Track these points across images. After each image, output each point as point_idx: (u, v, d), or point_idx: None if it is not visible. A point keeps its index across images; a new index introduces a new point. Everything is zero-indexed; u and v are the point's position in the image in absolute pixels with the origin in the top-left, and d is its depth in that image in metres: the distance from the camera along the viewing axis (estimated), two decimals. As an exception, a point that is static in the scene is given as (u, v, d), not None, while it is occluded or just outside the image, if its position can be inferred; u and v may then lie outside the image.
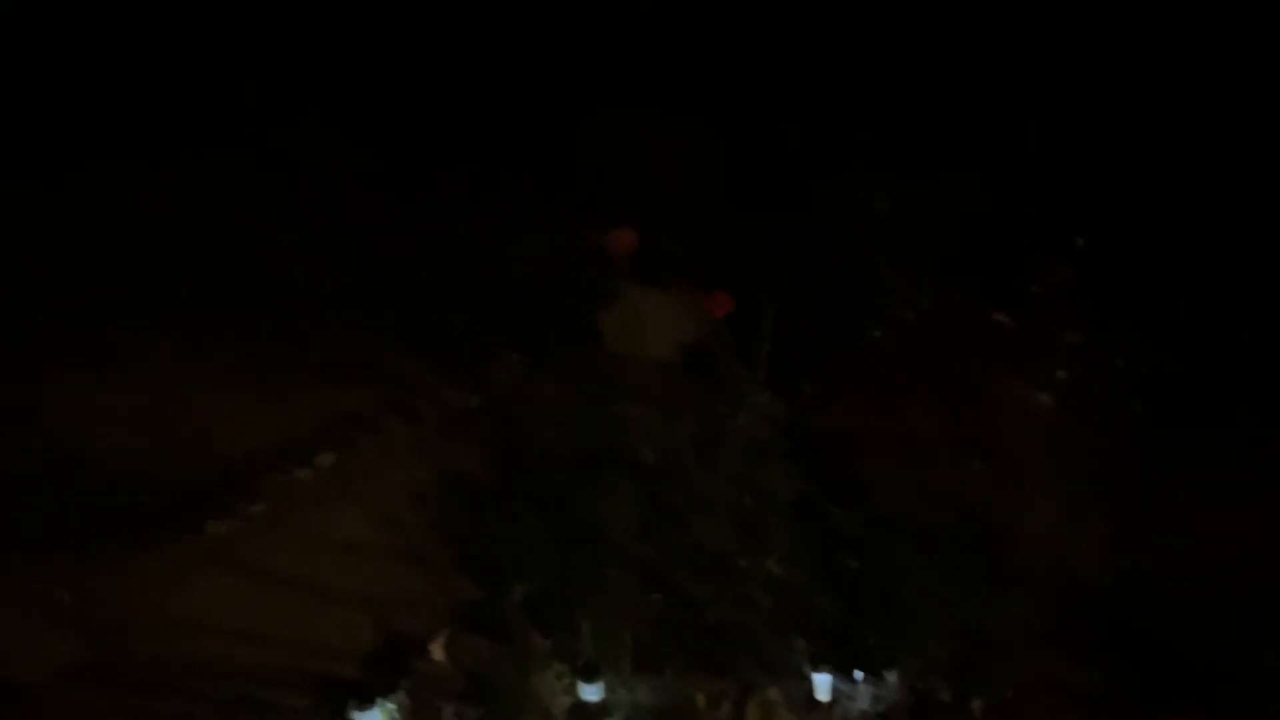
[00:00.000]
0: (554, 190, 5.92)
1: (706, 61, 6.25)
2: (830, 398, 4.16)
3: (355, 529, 4.39)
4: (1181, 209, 5.09)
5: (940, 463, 3.99)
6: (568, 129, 6.19)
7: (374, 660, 3.93)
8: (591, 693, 3.71)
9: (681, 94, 6.00)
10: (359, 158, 6.36)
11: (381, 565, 4.22)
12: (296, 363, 5.32)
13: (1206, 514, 4.25)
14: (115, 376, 5.18)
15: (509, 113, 6.47)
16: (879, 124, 5.52)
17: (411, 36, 6.75)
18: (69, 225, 5.97)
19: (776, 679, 3.74)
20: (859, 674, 3.73)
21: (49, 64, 6.66)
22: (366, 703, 3.75)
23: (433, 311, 5.46)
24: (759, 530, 3.78)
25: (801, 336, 3.98)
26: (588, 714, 3.72)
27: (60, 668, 3.93)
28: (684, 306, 5.16)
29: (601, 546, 3.83)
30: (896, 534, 3.82)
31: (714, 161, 5.61)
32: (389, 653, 3.94)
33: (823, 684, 3.74)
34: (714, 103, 5.93)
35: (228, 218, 6.02)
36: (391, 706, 3.77)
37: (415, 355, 5.31)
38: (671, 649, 3.76)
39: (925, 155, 5.23)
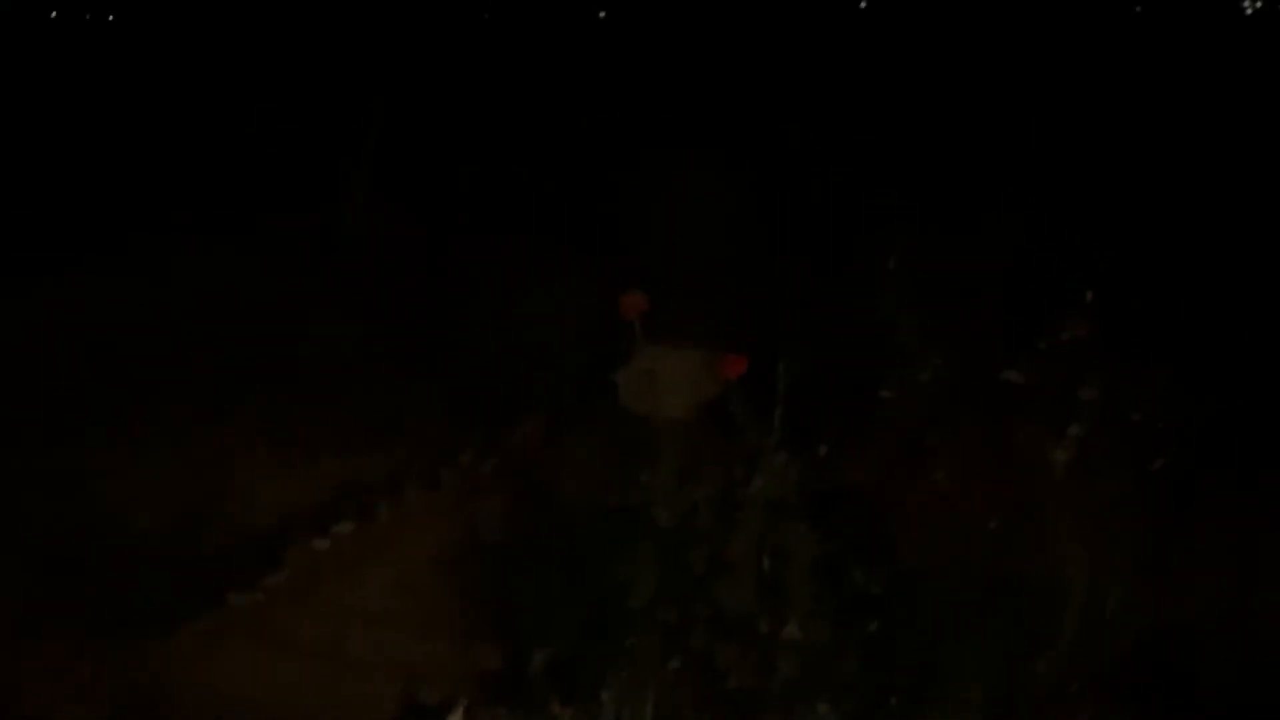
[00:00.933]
0: (572, 250, 5.97)
1: (723, 121, 6.32)
2: (846, 457, 4.15)
3: (377, 597, 4.40)
4: (1193, 262, 5.09)
5: (960, 520, 3.95)
6: (586, 188, 6.25)
7: (396, 730, 3.91)
8: (614, 761, 3.66)
9: (699, 153, 6.06)
10: (381, 220, 6.44)
11: (403, 634, 4.21)
12: (317, 427, 5.36)
13: (1234, 563, 4.20)
14: (136, 445, 5.22)
15: (527, 173, 6.54)
16: (889, 181, 5.56)
17: (433, 101, 6.84)
18: (92, 294, 6.06)
19: (801, 743, 3.69)
20: (885, 737, 3.68)
21: (86, 131, 6.78)
22: (388, 774, 3.73)
23: (451, 374, 5.50)
24: (779, 592, 3.75)
25: (816, 396, 3.98)
26: (611, 783, 3.68)
27: (84, 743, 3.93)
28: (700, 365, 5.17)
29: (623, 611, 3.80)
30: (919, 593, 3.78)
31: (729, 221, 5.65)
32: (410, 723, 3.92)
33: (848, 748, 3.69)
34: (730, 162, 5.99)
35: (249, 282, 6.09)
36: (413, 777, 3.74)
37: (434, 418, 5.33)
38: (694, 714, 3.72)
39: (935, 212, 5.26)
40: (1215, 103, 5.70)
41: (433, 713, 3.93)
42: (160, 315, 5.86)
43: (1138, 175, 5.55)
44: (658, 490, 3.93)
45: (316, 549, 4.65)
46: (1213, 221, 5.48)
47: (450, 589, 4.26)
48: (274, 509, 4.83)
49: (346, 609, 4.36)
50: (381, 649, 4.17)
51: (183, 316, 5.86)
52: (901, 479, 4.13)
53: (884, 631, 3.76)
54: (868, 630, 3.76)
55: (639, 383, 5.08)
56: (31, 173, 6.49)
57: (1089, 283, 4.17)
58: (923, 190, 5.53)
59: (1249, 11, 9.89)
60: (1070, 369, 3.98)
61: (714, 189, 5.76)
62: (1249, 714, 3.81)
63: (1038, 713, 3.77)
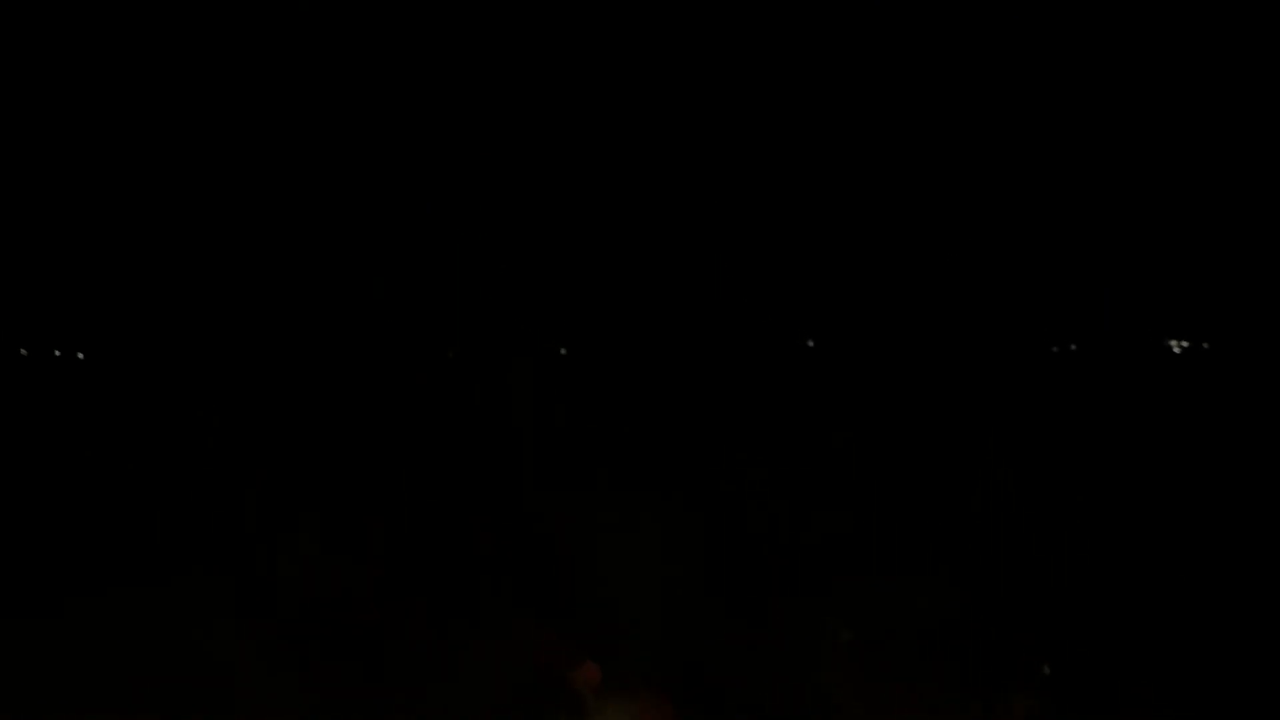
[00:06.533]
0: (510, 607, 5.82)
1: (665, 473, 6.31)
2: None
3: None
4: (1155, 626, 4.99)
5: None
6: (535, 544, 6.17)
7: None
8: None
9: (639, 510, 6.02)
10: (311, 575, 6.26)
11: None
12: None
13: None
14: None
15: (475, 526, 6.47)
16: (830, 544, 5.52)
17: (367, 447, 6.82)
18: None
19: None
20: None
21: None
22: None
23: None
24: None
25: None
26: None
27: None
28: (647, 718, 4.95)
29: None
30: None
31: (676, 577, 5.56)
32: None
33: None
34: (672, 515, 5.94)
35: (168, 634, 5.82)
36: None
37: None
38: None
39: (887, 581, 5.20)
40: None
41: None
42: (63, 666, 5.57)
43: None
44: None
45: None
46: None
47: None
48: None
49: None
50: None
51: (93, 671, 5.57)
52: None
53: None
54: None
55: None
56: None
57: (1042, 653, 4.07)
58: (867, 557, 5.50)
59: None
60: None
61: (654, 543, 5.71)
62: None
63: None
